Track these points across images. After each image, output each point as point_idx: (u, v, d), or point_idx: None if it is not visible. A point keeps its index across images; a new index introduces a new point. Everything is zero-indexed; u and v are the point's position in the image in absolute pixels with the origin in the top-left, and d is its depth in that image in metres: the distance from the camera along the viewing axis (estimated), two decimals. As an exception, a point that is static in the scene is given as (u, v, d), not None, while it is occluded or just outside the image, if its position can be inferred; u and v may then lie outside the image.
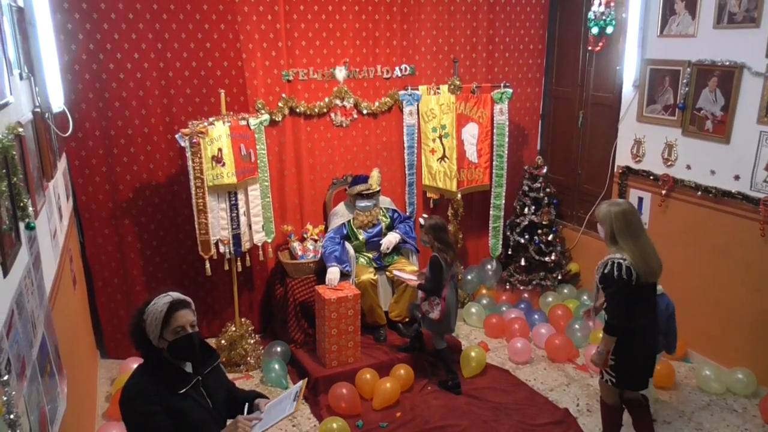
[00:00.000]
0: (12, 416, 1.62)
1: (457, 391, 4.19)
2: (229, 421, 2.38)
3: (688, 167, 4.51)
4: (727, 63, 4.09)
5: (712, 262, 4.39)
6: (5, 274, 1.93)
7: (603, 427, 3.54)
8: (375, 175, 4.80)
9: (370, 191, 4.70)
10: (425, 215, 4.64)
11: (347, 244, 4.69)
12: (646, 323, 3.16)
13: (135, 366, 2.45)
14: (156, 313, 2.26)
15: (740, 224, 4.16)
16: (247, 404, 2.49)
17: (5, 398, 1.60)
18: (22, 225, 2.22)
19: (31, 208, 2.29)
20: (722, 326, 4.39)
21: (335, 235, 4.65)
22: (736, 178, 4.16)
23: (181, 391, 2.23)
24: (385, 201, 4.95)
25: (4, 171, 1.98)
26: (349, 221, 4.73)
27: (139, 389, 2.22)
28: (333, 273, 4.38)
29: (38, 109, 3.13)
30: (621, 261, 3.06)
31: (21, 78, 2.84)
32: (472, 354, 4.41)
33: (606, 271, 3.09)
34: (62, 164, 3.90)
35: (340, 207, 4.87)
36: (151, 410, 2.15)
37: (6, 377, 1.64)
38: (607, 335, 3.15)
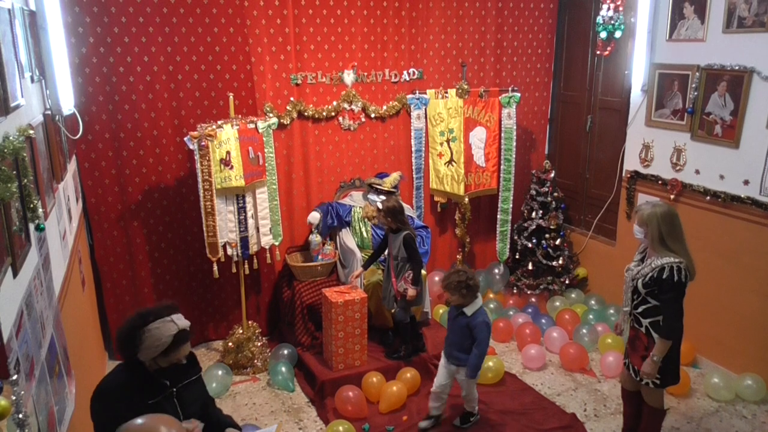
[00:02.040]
0: (21, 416, 1.64)
1: (412, 356, 4.38)
2: None
3: (697, 172, 4.48)
4: (737, 67, 4.07)
5: (721, 267, 4.36)
6: (15, 275, 1.95)
7: None
8: (393, 176, 4.89)
9: (381, 187, 4.75)
10: (381, 199, 4.57)
11: (353, 244, 4.70)
12: None
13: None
14: (159, 341, 2.18)
15: (749, 229, 4.13)
16: None
17: (14, 398, 1.61)
18: (32, 226, 2.25)
19: (41, 210, 2.31)
20: (731, 332, 4.35)
21: (332, 203, 4.89)
22: (746, 183, 4.14)
23: (152, 401, 2.19)
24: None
25: (14, 172, 2.00)
26: (358, 210, 4.88)
27: (113, 388, 2.19)
28: (313, 217, 4.73)
29: (49, 112, 3.16)
30: (678, 264, 3.03)
31: (32, 81, 2.87)
32: (490, 364, 4.31)
33: (665, 276, 3.03)
34: (72, 166, 3.93)
35: (356, 193, 5.04)
36: (117, 414, 1.92)
37: (15, 377, 1.65)
38: (667, 340, 3.09)
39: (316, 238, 4.81)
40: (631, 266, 3.29)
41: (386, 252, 4.35)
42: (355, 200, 4.97)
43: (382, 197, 4.66)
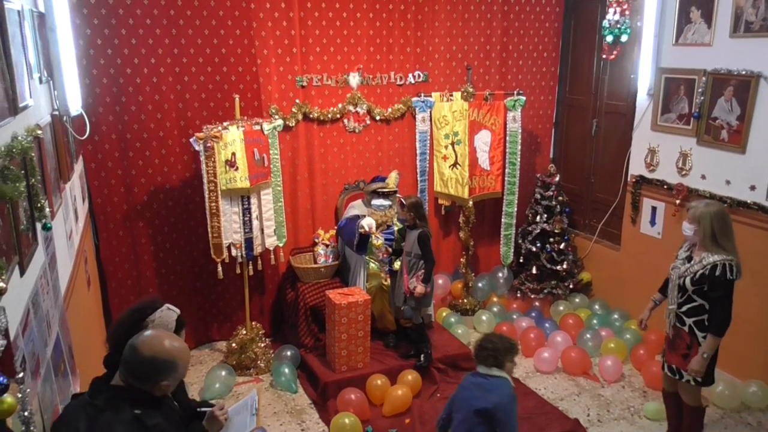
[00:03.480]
0: (26, 413, 1.65)
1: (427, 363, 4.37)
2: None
3: (703, 177, 4.47)
4: (744, 72, 4.06)
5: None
6: (22, 274, 1.96)
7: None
8: (393, 176, 4.85)
9: (386, 189, 4.71)
10: (400, 195, 4.60)
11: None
12: None
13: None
14: (166, 327, 2.20)
15: (756, 235, 4.11)
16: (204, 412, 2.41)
17: (20, 395, 1.62)
18: (38, 225, 2.26)
19: (47, 209, 2.33)
20: (737, 338, 4.30)
21: (353, 218, 4.69)
22: (752, 188, 4.12)
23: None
24: None
25: (22, 172, 2.01)
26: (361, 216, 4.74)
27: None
28: (368, 220, 4.49)
29: (57, 112, 3.18)
30: (730, 262, 3.10)
31: (41, 82, 2.89)
32: None
33: (718, 272, 3.09)
34: (79, 167, 3.96)
35: (358, 202, 4.94)
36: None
37: (21, 374, 1.66)
38: (718, 338, 3.16)
39: (321, 250, 4.83)
40: (677, 264, 3.32)
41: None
42: (358, 208, 4.84)
43: (383, 201, 4.66)
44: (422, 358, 4.37)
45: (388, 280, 4.67)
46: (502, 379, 2.90)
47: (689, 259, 3.26)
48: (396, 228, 4.79)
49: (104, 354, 2.23)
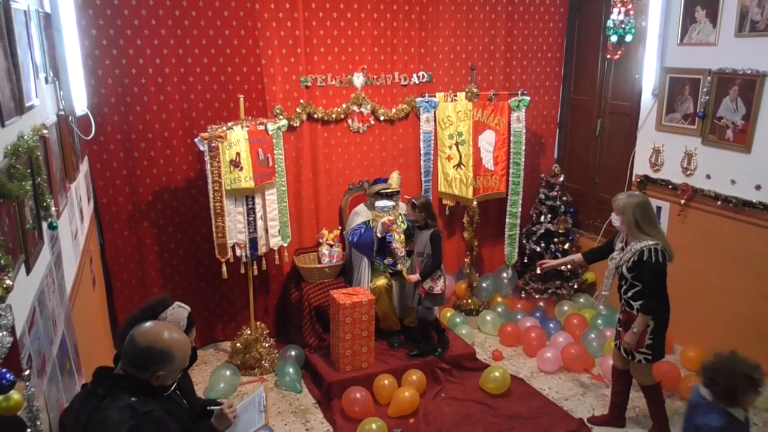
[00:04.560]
0: (33, 410, 1.65)
1: (440, 353, 4.48)
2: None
3: (708, 177, 4.45)
4: (749, 72, 4.04)
5: (731, 272, 4.32)
6: (28, 272, 1.97)
7: (655, 411, 3.71)
8: (395, 176, 4.84)
9: (390, 190, 4.70)
10: (407, 196, 4.63)
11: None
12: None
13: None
14: (179, 324, 2.24)
15: (761, 235, 4.10)
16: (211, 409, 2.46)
17: (26, 392, 1.63)
18: (44, 224, 2.27)
19: (53, 209, 2.34)
20: (741, 338, 4.30)
21: (362, 227, 4.67)
22: (757, 188, 4.10)
23: (167, 393, 2.24)
24: (404, 207, 4.93)
25: (28, 171, 2.02)
26: (369, 221, 4.72)
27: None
28: (381, 224, 4.49)
29: (62, 112, 3.20)
30: (656, 246, 3.36)
31: (46, 82, 2.90)
32: (496, 374, 4.26)
33: (645, 258, 3.36)
34: (84, 167, 3.97)
35: (361, 207, 4.90)
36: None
37: (27, 372, 1.67)
38: (646, 316, 3.44)
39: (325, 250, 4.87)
40: (614, 255, 3.62)
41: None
42: (362, 213, 4.81)
43: (387, 202, 4.65)
44: (438, 349, 4.51)
45: (392, 281, 4.66)
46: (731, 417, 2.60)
47: (624, 248, 3.55)
48: (401, 228, 4.78)
49: (109, 354, 2.25)
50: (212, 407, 2.36)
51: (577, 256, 4.07)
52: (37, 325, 1.97)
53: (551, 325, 5.07)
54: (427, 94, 5.21)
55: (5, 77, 1.98)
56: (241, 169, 4.15)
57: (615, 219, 3.56)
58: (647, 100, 4.90)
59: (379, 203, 4.63)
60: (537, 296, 5.48)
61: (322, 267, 4.83)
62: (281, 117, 4.67)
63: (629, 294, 3.53)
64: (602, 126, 5.50)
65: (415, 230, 4.43)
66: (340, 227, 5.07)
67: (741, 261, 4.26)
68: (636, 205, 3.44)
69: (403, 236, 4.52)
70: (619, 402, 3.90)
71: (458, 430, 3.84)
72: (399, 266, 4.54)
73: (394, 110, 5.17)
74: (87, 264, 3.52)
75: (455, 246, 5.72)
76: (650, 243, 3.38)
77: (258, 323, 4.70)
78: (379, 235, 4.50)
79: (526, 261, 5.60)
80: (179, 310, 2.29)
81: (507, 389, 4.26)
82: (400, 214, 4.70)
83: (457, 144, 5.10)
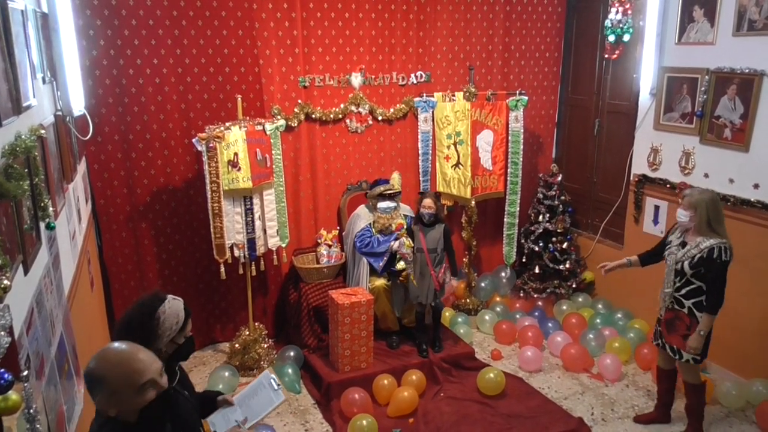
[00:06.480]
0: (31, 411, 1.64)
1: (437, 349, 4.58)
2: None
3: (706, 175, 4.46)
4: (747, 71, 4.05)
5: (730, 271, 4.30)
6: (26, 272, 1.96)
7: (696, 409, 3.69)
8: (396, 177, 4.84)
9: (392, 191, 4.69)
10: (392, 204, 4.69)
11: None
12: None
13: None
14: (177, 317, 2.21)
15: (759, 233, 4.10)
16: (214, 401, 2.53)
17: (24, 393, 1.62)
18: (42, 225, 2.26)
19: (51, 209, 2.33)
20: (741, 337, 4.32)
21: (367, 231, 4.68)
22: (756, 186, 4.11)
23: (173, 385, 2.23)
24: (404, 208, 4.94)
25: (26, 171, 2.01)
26: (371, 223, 4.71)
27: None
28: (398, 242, 4.49)
29: (60, 113, 3.19)
30: (725, 245, 3.33)
31: (44, 82, 2.89)
32: (491, 375, 4.23)
33: (715, 256, 3.32)
34: (82, 167, 3.96)
35: (362, 210, 4.88)
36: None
37: (26, 373, 1.66)
38: (713, 316, 3.38)
39: (323, 250, 4.87)
40: (672, 249, 3.52)
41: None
42: (364, 216, 4.79)
43: (389, 203, 4.64)
44: (437, 344, 4.60)
45: (390, 281, 4.65)
46: None
47: (683, 244, 3.46)
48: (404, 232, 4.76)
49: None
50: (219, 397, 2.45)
51: (634, 258, 3.88)
52: (36, 326, 1.96)
53: (550, 324, 5.07)
54: (425, 94, 5.21)
55: (2, 77, 1.97)
56: (239, 169, 4.14)
57: (683, 215, 3.43)
58: (645, 99, 4.91)
59: (381, 204, 4.63)
60: (535, 296, 5.48)
61: (321, 267, 4.83)
62: (279, 117, 4.66)
63: (683, 291, 3.45)
64: (600, 125, 5.51)
65: (421, 227, 4.47)
66: (338, 227, 5.07)
67: (739, 260, 4.22)
68: (709, 201, 3.35)
69: (409, 239, 4.52)
70: (667, 401, 3.89)
71: (457, 429, 3.84)
72: (399, 265, 4.52)
73: (392, 110, 5.17)
74: (85, 265, 3.51)
75: (454, 246, 5.70)
76: (720, 241, 3.33)
77: (256, 324, 4.70)
78: (396, 248, 4.49)
79: (524, 260, 5.61)
80: (175, 303, 2.26)
81: (503, 390, 4.24)
82: (401, 215, 4.71)
83: (455, 144, 5.10)
